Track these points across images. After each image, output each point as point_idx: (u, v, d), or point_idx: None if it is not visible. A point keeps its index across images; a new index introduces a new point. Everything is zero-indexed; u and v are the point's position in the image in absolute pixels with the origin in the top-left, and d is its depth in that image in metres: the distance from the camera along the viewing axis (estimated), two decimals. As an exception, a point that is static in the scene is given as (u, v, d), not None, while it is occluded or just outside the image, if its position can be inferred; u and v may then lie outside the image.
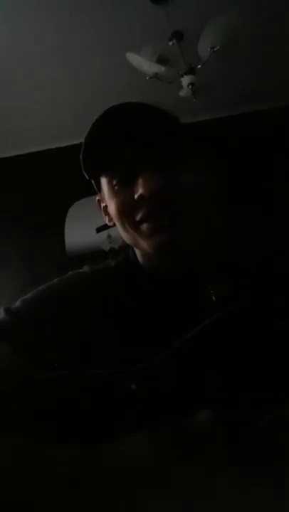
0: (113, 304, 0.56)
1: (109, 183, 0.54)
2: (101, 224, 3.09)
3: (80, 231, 2.82)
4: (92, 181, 0.60)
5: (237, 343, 0.47)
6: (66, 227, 2.74)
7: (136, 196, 0.51)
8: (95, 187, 0.61)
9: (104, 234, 3.29)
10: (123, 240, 0.63)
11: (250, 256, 0.58)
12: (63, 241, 2.72)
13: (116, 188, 0.54)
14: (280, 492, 0.29)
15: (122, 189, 0.53)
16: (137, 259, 0.62)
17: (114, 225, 0.59)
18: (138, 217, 0.52)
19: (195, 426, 0.37)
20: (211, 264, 0.57)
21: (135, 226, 0.53)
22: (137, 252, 0.61)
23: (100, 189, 0.59)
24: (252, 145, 2.74)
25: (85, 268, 0.63)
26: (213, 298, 0.53)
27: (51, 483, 0.26)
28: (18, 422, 0.34)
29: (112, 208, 0.56)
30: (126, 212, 0.53)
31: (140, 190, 0.50)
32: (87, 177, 0.58)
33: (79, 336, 0.53)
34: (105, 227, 0.64)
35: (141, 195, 0.50)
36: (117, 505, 0.26)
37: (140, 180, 0.50)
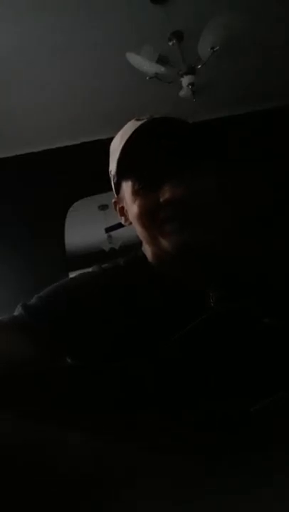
0: (123, 300, 0.59)
1: (134, 187, 0.60)
2: (100, 224, 3.09)
3: (80, 231, 2.83)
4: (113, 184, 0.66)
5: (225, 341, 0.51)
6: (66, 227, 2.74)
7: (162, 199, 0.57)
8: (114, 189, 0.66)
9: (104, 234, 3.28)
10: (123, 241, 0.66)
11: (254, 265, 0.61)
12: (63, 241, 2.72)
13: (141, 191, 0.59)
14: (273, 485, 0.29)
15: (148, 193, 0.59)
16: (146, 258, 0.65)
17: (130, 223, 0.65)
18: (162, 218, 0.58)
19: (190, 416, 0.38)
20: (216, 269, 0.61)
21: (158, 226, 0.58)
22: (148, 251, 0.65)
23: (118, 192, 0.65)
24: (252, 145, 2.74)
25: (95, 268, 0.67)
26: (211, 300, 0.57)
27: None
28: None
29: (133, 210, 0.61)
30: (150, 213, 0.58)
31: (167, 195, 0.56)
32: (115, 179, 0.64)
33: (90, 329, 0.57)
34: (115, 227, 0.69)
35: (167, 199, 0.56)
36: (114, 502, 0.26)
37: (167, 186, 0.57)
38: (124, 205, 0.65)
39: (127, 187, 0.61)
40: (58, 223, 2.72)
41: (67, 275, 2.54)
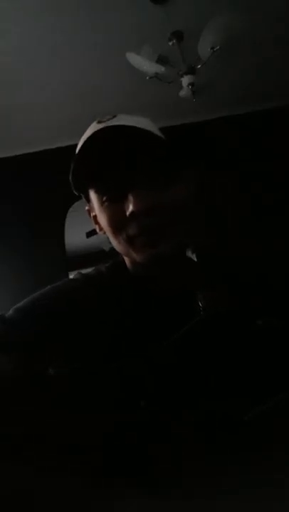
0: (105, 309, 0.57)
1: (99, 198, 0.57)
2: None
3: (80, 231, 2.82)
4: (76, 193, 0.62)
5: (217, 343, 0.51)
6: (66, 227, 2.74)
7: (128, 213, 0.53)
8: (84, 198, 0.63)
9: (104, 234, 3.29)
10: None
11: (238, 266, 0.61)
12: (63, 241, 2.72)
13: (106, 204, 0.56)
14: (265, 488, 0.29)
15: (112, 206, 0.55)
16: (126, 264, 0.64)
17: (105, 233, 0.62)
18: (130, 233, 0.55)
19: (190, 416, 0.38)
20: (200, 273, 0.60)
21: (127, 240, 0.56)
22: (126, 259, 0.63)
23: (88, 200, 0.62)
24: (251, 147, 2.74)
25: (77, 275, 0.65)
26: (200, 304, 0.56)
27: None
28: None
29: (102, 222, 0.58)
30: (117, 227, 0.56)
31: (131, 208, 0.53)
32: (75, 192, 0.61)
33: (71, 341, 0.54)
34: (95, 232, 0.66)
35: (132, 212, 0.53)
36: (113, 502, 0.26)
37: (130, 198, 0.53)
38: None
39: (93, 198, 0.58)
40: (58, 223, 2.72)
41: (67, 275, 2.54)
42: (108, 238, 0.62)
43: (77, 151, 0.56)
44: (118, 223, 0.55)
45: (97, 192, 0.57)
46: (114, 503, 0.27)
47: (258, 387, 0.46)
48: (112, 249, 0.63)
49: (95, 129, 0.55)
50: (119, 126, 0.54)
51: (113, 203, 0.55)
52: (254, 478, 0.29)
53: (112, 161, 0.53)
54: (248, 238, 0.68)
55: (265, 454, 0.34)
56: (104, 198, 0.56)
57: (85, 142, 0.54)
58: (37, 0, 1.77)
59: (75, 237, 2.76)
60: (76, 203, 2.72)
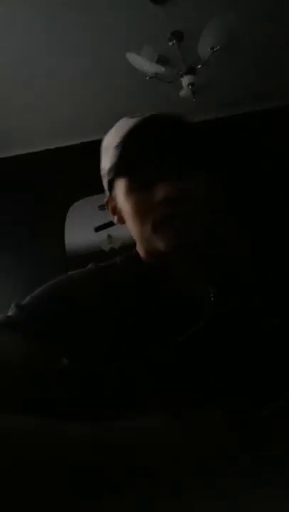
0: (118, 299, 0.59)
1: (128, 184, 0.59)
2: (100, 223, 3.11)
3: (80, 231, 2.82)
4: (105, 182, 0.65)
5: (228, 342, 0.52)
6: (66, 227, 2.74)
7: (156, 199, 0.55)
8: (106, 188, 0.66)
9: (104, 234, 3.29)
10: (123, 241, 0.66)
11: (238, 266, 0.61)
12: (63, 241, 2.72)
13: (135, 190, 0.58)
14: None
15: (142, 191, 0.58)
16: (140, 257, 0.65)
17: (122, 223, 0.64)
18: (157, 219, 0.56)
19: (200, 416, 0.38)
20: (210, 269, 0.61)
21: (153, 227, 0.57)
22: (142, 249, 0.64)
23: (111, 190, 0.65)
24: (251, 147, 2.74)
25: (91, 266, 0.66)
26: (212, 298, 0.56)
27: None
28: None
29: (126, 208, 0.60)
30: (143, 212, 0.58)
31: (161, 194, 0.55)
32: (109, 177, 0.63)
33: (87, 329, 0.56)
34: (104, 226, 0.68)
35: (161, 200, 0.55)
36: (113, 501, 0.26)
37: (161, 186, 0.55)
38: (117, 204, 0.64)
39: (120, 185, 0.61)
40: (58, 223, 2.72)
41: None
42: (108, 238, 0.63)
43: (117, 139, 0.59)
44: (145, 209, 0.57)
45: (129, 178, 0.59)
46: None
47: (263, 387, 0.46)
48: (112, 249, 0.63)
49: (130, 122, 0.59)
50: (160, 117, 0.59)
51: (143, 189, 0.57)
52: (254, 478, 0.29)
53: (152, 151, 0.56)
54: (248, 238, 0.69)
55: (265, 453, 0.34)
56: (135, 185, 0.58)
57: (131, 131, 0.58)
58: (36, 0, 1.77)
59: (75, 236, 2.76)
60: (76, 203, 2.72)
